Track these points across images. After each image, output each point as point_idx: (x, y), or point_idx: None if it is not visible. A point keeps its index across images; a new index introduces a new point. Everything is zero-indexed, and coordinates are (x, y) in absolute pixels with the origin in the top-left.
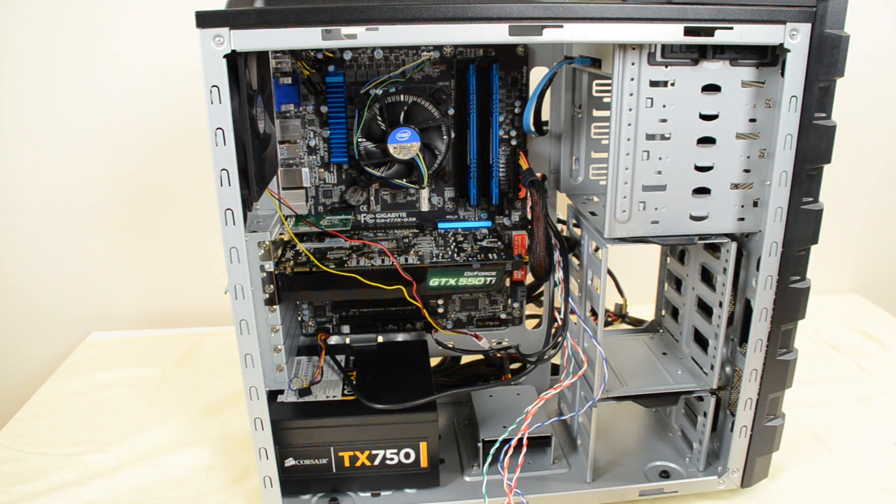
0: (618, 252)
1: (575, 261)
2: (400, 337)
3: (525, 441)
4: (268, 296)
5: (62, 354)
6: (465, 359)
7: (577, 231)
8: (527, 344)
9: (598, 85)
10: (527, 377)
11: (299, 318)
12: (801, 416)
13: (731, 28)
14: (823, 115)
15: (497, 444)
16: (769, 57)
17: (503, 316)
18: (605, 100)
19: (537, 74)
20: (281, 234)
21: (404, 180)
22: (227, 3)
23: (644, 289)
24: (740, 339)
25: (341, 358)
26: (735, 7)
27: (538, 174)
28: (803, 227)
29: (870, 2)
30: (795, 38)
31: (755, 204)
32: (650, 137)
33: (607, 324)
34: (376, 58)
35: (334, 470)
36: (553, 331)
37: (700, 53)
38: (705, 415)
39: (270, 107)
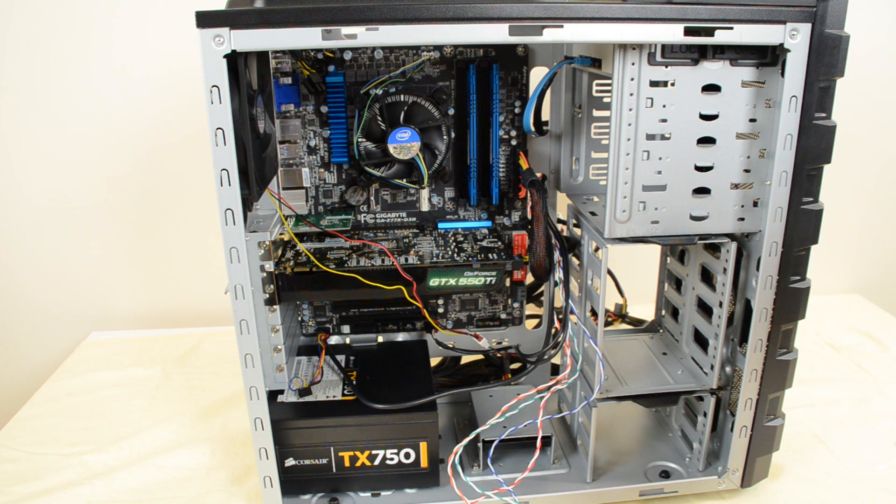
0: (618, 252)
1: (575, 261)
2: (400, 337)
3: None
4: (268, 296)
5: (62, 354)
6: (465, 359)
7: (577, 231)
8: (527, 344)
9: (598, 85)
10: (527, 377)
11: (299, 318)
12: (801, 416)
13: (731, 28)
14: (823, 115)
15: (463, 445)
16: (769, 57)
17: (503, 316)
18: (605, 100)
19: (537, 74)
20: (281, 234)
21: (404, 180)
22: (227, 3)
23: (644, 289)
24: (740, 339)
25: (341, 358)
26: (735, 7)
27: (538, 174)
28: (803, 227)
29: (870, 2)
30: (795, 38)
31: (755, 204)
32: (650, 137)
33: (607, 324)
34: (376, 58)
35: (334, 470)
36: (553, 331)
37: (700, 53)
38: (705, 415)
39: (270, 107)
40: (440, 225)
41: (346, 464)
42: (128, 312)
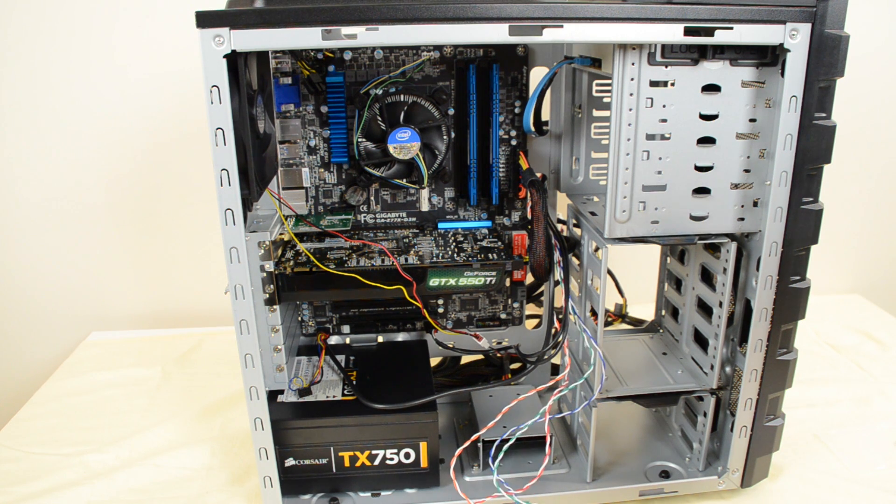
0: (618, 252)
1: (575, 261)
2: (400, 337)
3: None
4: (268, 296)
5: (62, 354)
6: (465, 359)
7: (577, 231)
8: (527, 344)
9: (598, 85)
10: (527, 377)
11: (299, 318)
12: (801, 416)
13: (731, 28)
14: (823, 115)
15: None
16: (769, 57)
17: (503, 316)
18: (605, 100)
19: (537, 74)
20: (281, 234)
21: (404, 180)
22: (227, 3)
23: (644, 289)
24: (740, 339)
25: (341, 358)
26: (735, 7)
27: (538, 174)
28: (803, 227)
29: (870, 2)
30: (795, 38)
31: (755, 204)
32: (650, 137)
33: (607, 324)
34: (376, 58)
35: (334, 470)
36: (553, 331)
37: (700, 53)
38: (705, 415)
39: (270, 107)
40: (440, 225)
41: (346, 464)
42: (128, 312)
